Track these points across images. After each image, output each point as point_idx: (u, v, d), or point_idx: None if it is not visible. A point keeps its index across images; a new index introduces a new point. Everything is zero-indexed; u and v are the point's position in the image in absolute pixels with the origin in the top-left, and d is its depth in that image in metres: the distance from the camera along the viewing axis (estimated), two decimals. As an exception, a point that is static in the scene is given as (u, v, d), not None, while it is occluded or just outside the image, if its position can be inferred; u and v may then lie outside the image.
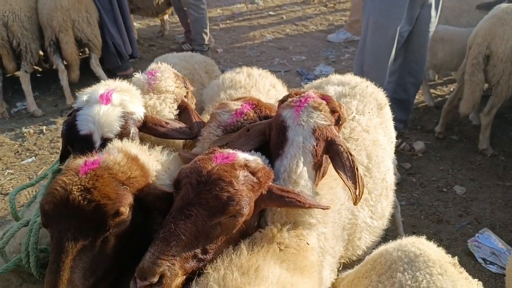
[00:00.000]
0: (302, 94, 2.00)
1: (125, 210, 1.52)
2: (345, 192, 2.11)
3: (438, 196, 4.32)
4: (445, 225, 3.95)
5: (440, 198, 4.28)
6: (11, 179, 4.80)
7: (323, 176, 2.01)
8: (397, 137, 4.76)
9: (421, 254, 1.69)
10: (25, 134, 5.60)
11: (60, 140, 5.27)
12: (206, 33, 7.10)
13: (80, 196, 1.46)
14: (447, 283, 1.55)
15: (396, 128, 4.72)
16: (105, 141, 1.90)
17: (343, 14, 9.79)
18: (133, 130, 2.00)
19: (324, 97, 1.99)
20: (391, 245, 1.86)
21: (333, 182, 2.09)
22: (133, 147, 1.77)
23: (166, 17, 8.43)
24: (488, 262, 3.49)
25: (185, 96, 2.48)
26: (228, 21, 9.57)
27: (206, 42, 7.17)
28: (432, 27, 4.37)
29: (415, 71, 4.55)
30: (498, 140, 5.04)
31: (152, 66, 2.51)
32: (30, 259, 1.67)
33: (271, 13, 10.05)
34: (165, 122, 2.13)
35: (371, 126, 2.56)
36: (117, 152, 1.68)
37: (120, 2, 6.20)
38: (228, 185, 1.53)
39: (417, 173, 4.64)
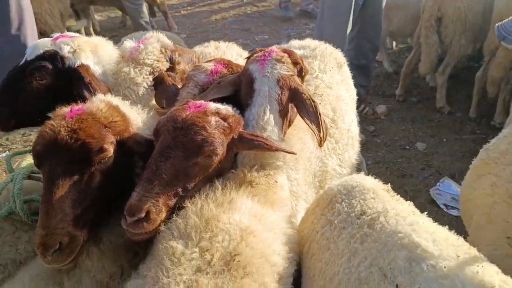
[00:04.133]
0: (266, 50, 2.16)
1: (108, 147, 1.69)
2: (314, 141, 2.28)
3: (401, 153, 4.58)
4: (409, 178, 4.21)
5: (403, 155, 4.54)
6: (-14, 173, 4.81)
7: (290, 125, 2.17)
8: (360, 103, 5.05)
9: (357, 185, 1.85)
10: (-6, 129, 5.58)
11: (33, 133, 5.30)
12: (147, 22, 7.13)
13: (67, 136, 1.63)
14: (378, 203, 1.72)
15: (358, 93, 4.96)
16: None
17: (302, -7, 9.96)
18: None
19: (286, 51, 2.16)
20: (334, 182, 2.03)
21: (302, 133, 2.25)
22: (115, 99, 1.93)
23: (126, 6, 8.42)
24: (449, 207, 3.75)
25: (170, 69, 2.59)
26: (189, 8, 9.62)
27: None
28: (385, -6, 4.59)
29: (372, 37, 4.76)
30: (453, 99, 5.33)
31: (148, 35, 2.64)
32: (17, 204, 1.82)
33: (231, -4, 10.13)
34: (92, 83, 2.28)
35: (333, 82, 2.74)
36: (99, 102, 1.83)
37: None
38: (201, 129, 1.69)
39: (381, 134, 4.89)
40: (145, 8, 7.13)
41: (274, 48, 2.14)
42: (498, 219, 1.91)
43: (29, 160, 2.07)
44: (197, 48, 3.16)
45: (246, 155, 1.95)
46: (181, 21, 8.79)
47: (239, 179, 1.86)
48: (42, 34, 5.80)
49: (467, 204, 2.25)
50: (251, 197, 1.80)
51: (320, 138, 2.03)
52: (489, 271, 1.41)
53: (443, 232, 1.58)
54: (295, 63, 2.12)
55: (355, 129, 2.79)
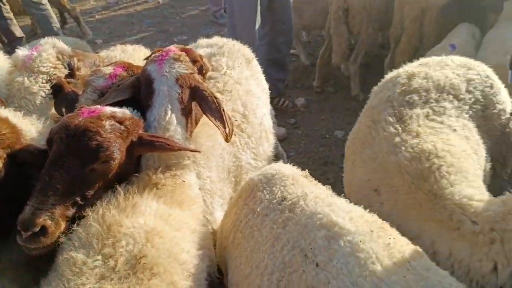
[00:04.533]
0: (164, 49, 2.14)
1: None
2: None
3: (322, 142, 4.73)
4: (330, 166, 4.36)
5: (324, 144, 4.69)
6: None
7: (196, 123, 2.18)
8: (279, 96, 5.15)
9: (277, 173, 1.91)
10: None
11: None
12: (58, 28, 6.83)
13: None
14: (297, 189, 1.80)
15: (276, 87, 5.07)
16: None
17: (219, -8, 9.97)
18: None
19: (185, 50, 2.16)
20: (255, 173, 2.07)
21: (211, 131, 2.25)
22: (4, 111, 1.85)
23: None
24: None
25: (69, 75, 2.50)
26: (104, 12, 9.32)
27: None
28: (291, -12, 4.70)
29: (284, 30, 4.84)
30: (367, 86, 5.54)
31: (42, 41, 2.53)
32: None
33: (148, -1, 9.95)
34: None
35: (243, 78, 2.77)
36: None
37: None
38: (95, 134, 1.65)
39: (302, 126, 5.02)
40: (53, 13, 6.81)
41: (172, 47, 2.14)
42: (362, 182, 2.12)
43: None
44: (103, 53, 3.09)
45: (150, 158, 1.93)
46: (96, 26, 8.51)
47: (144, 182, 1.84)
48: None
49: (346, 189, 2.45)
50: (157, 199, 1.79)
51: (226, 133, 2.05)
52: (400, 242, 1.54)
53: (359, 211, 1.70)
54: (194, 61, 2.12)
55: (268, 122, 2.84)
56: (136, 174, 1.87)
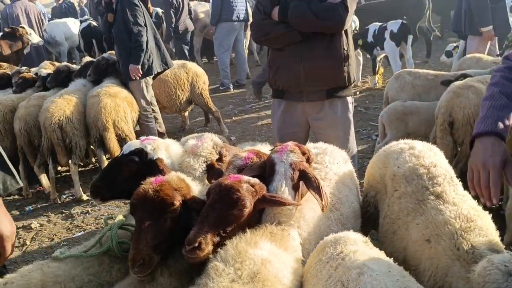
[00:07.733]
0: (284, 144, 3.12)
1: (177, 203, 2.63)
2: (323, 213, 3.09)
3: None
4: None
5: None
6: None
7: (302, 197, 3.05)
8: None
9: (343, 236, 2.66)
10: (74, 215, 6.74)
11: (103, 217, 6.38)
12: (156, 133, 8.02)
13: (153, 193, 2.59)
14: (354, 247, 2.49)
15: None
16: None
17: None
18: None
19: (297, 145, 3.11)
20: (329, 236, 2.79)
21: (314, 205, 3.08)
22: (183, 175, 2.93)
23: (186, 113, 9.89)
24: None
25: (218, 159, 3.62)
26: (239, 114, 11.04)
27: None
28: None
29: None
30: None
31: (205, 135, 3.81)
32: (113, 243, 2.75)
33: (276, 105, 11.48)
34: (164, 169, 3.28)
35: (340, 172, 3.62)
36: (173, 175, 2.83)
37: None
38: (237, 191, 2.60)
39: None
40: (155, 125, 8.24)
41: (289, 143, 3.10)
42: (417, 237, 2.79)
43: (119, 218, 3.02)
44: (239, 145, 4.21)
45: (268, 215, 2.82)
46: (232, 126, 10.14)
47: (262, 230, 2.71)
48: (117, 136, 7.15)
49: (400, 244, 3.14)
50: (270, 242, 2.65)
51: (322, 205, 2.88)
52: (410, 280, 2.24)
53: (386, 259, 2.46)
54: (303, 153, 3.06)
55: (357, 206, 3.59)
56: (259, 225, 2.77)
